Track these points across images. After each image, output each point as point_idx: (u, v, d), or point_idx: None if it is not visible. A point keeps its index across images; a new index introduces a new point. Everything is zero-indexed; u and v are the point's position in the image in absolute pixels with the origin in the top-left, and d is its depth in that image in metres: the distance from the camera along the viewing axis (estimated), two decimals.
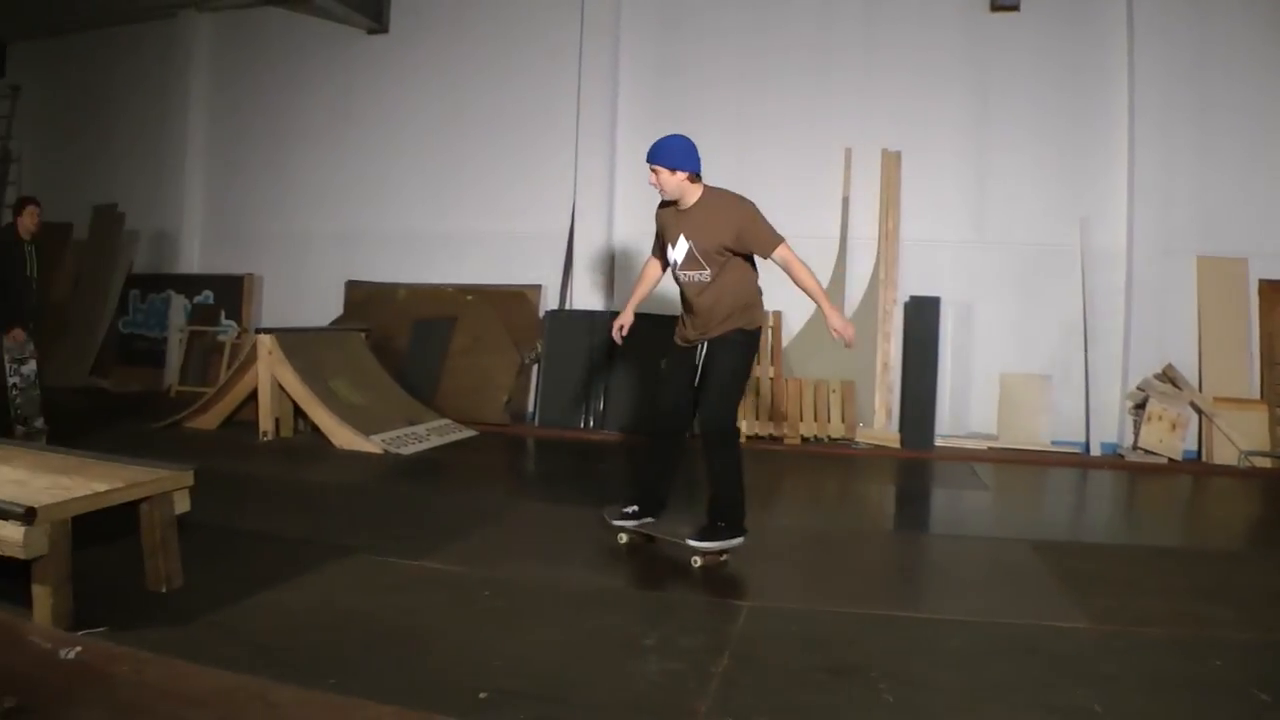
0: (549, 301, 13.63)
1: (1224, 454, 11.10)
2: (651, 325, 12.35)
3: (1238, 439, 11.08)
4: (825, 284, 11.59)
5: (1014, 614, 5.42)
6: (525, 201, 13.85)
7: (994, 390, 11.97)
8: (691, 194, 6.49)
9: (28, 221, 9.85)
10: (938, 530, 8.47)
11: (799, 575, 6.49)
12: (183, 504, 5.57)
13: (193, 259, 16.12)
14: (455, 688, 4.19)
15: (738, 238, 6.43)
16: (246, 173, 15.65)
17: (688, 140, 6.49)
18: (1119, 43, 11.98)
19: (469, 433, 11.84)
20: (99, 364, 15.88)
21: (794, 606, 5.51)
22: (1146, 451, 11.11)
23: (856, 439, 11.71)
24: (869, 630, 5.09)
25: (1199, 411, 11.27)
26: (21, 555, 4.52)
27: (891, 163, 12.30)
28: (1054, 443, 11.58)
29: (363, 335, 12.74)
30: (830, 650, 4.76)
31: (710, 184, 6.63)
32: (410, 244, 14.32)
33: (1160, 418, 11.11)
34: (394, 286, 14.19)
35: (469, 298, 13.62)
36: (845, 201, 12.52)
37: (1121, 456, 11.32)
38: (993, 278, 12.19)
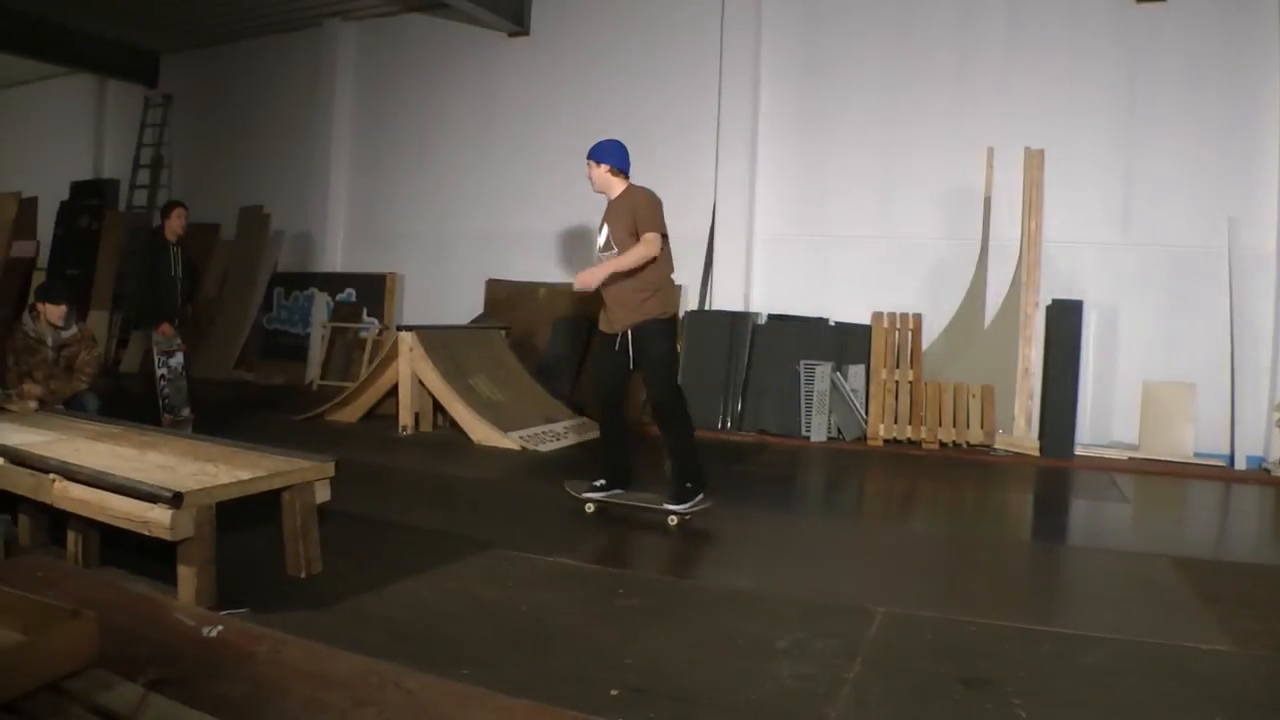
0: (689, 301, 13.73)
1: None
2: (788, 327, 12.48)
3: None
4: (966, 287, 11.73)
5: (1153, 632, 5.22)
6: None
7: (1136, 398, 11.66)
8: (615, 188, 7.70)
9: (175, 224, 10.39)
10: (1076, 542, 8.29)
11: (934, 583, 6.44)
12: (323, 493, 5.82)
13: (335, 258, 16.62)
14: (587, 684, 4.26)
15: (635, 220, 7.41)
16: (388, 174, 16.05)
17: (618, 142, 7.88)
18: (1270, 32, 11.56)
19: None
20: (244, 358, 16.50)
21: (929, 614, 5.40)
22: None
23: (995, 445, 11.57)
24: (1003, 642, 4.98)
25: None
26: (169, 537, 4.78)
27: (1034, 162, 12.07)
28: (1197, 455, 11.18)
29: (503, 333, 12.99)
30: (964, 661, 4.69)
31: (637, 184, 7.83)
32: (550, 244, 14.57)
33: None
34: (534, 286, 14.45)
35: None
36: (987, 202, 12.40)
37: (1268, 471, 10.84)
38: (1137, 280, 11.89)
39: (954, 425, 11.75)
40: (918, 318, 12.21)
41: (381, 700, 3.41)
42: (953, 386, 11.84)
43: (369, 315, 16.00)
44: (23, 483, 5.52)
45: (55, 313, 8.48)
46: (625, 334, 7.38)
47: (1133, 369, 11.77)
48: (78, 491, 5.20)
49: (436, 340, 11.33)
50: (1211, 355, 11.51)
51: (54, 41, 17.49)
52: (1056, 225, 12.09)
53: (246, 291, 16.79)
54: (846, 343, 12.50)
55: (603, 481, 7.78)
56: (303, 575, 5.64)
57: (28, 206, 17.58)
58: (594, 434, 11.35)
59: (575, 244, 14.49)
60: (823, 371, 12.05)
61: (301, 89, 17.06)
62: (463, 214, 15.38)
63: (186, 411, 10.32)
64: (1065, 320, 11.42)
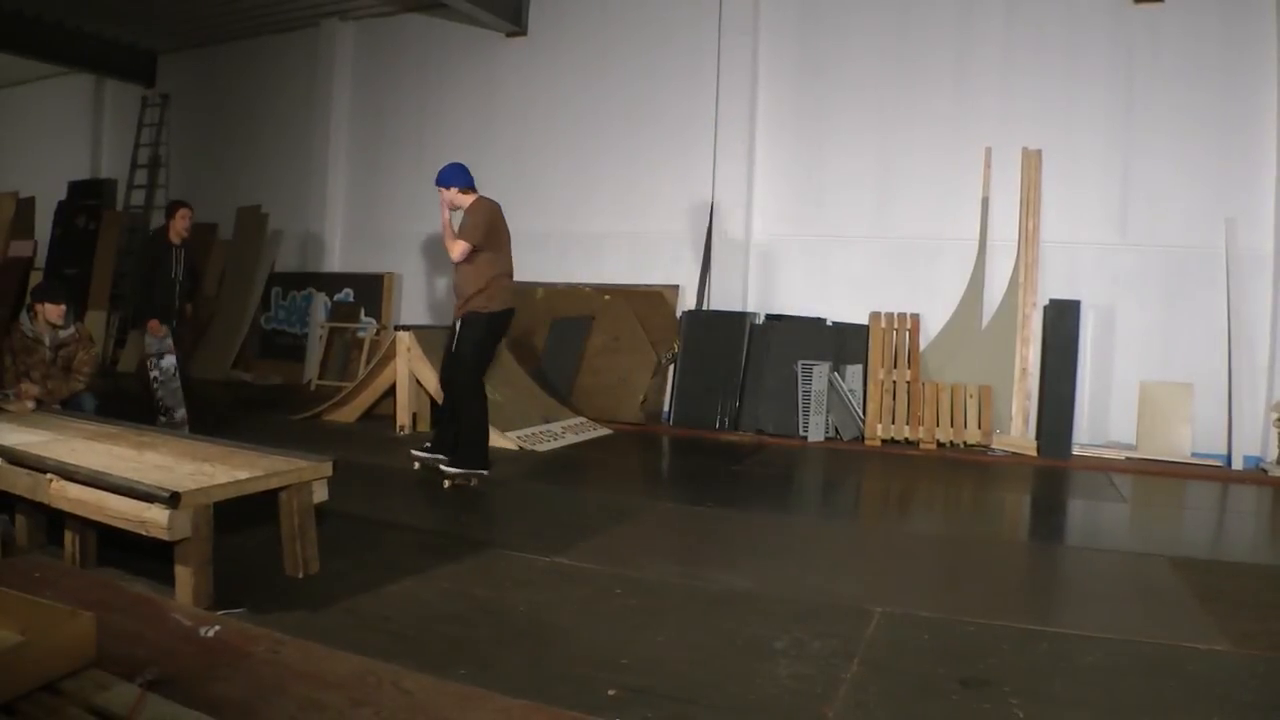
0: (686, 302, 13.76)
1: None
2: (786, 327, 12.49)
3: None
4: (964, 287, 11.82)
5: (1151, 632, 5.25)
6: (663, 201, 14.05)
7: (1134, 398, 11.64)
8: (466, 202, 8.69)
9: (179, 225, 10.32)
10: (1073, 542, 8.29)
11: (932, 582, 6.47)
12: (321, 493, 5.83)
13: (334, 258, 16.64)
14: (585, 683, 4.27)
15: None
16: (387, 174, 16.07)
17: (458, 164, 8.87)
18: (1268, 33, 11.54)
19: (604, 431, 12.07)
20: (241, 358, 16.53)
21: (926, 614, 5.41)
22: None
23: (993, 445, 11.58)
24: (1001, 642, 5.00)
25: None
26: (166, 537, 4.81)
27: (1032, 162, 12.15)
28: (1194, 455, 11.18)
29: None
30: (962, 661, 4.71)
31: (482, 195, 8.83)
32: (548, 243, 14.53)
33: None
34: (532, 285, 14.40)
35: (606, 297, 13.85)
36: (985, 202, 12.39)
37: (1265, 471, 10.83)
38: (1134, 281, 11.88)
39: (951, 425, 11.76)
40: (915, 318, 12.24)
41: (379, 700, 3.43)
42: (950, 386, 11.86)
43: (367, 315, 15.99)
44: (20, 483, 5.53)
45: (55, 312, 8.49)
46: (457, 321, 8.69)
47: (1130, 369, 11.75)
48: (75, 491, 5.21)
49: (434, 340, 11.29)
50: (1209, 356, 11.50)
51: (51, 41, 17.48)
52: (1054, 225, 12.13)
53: (244, 291, 16.79)
54: (844, 343, 12.52)
55: (429, 445, 8.95)
56: (300, 575, 5.66)
57: (25, 206, 17.58)
58: (593, 434, 11.42)
59: (572, 244, 14.54)
60: (820, 371, 12.05)
61: (299, 89, 17.06)
62: None
63: (181, 413, 10.26)
64: (1063, 320, 11.43)
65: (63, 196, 19.03)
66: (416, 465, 8.94)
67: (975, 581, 6.49)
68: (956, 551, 7.42)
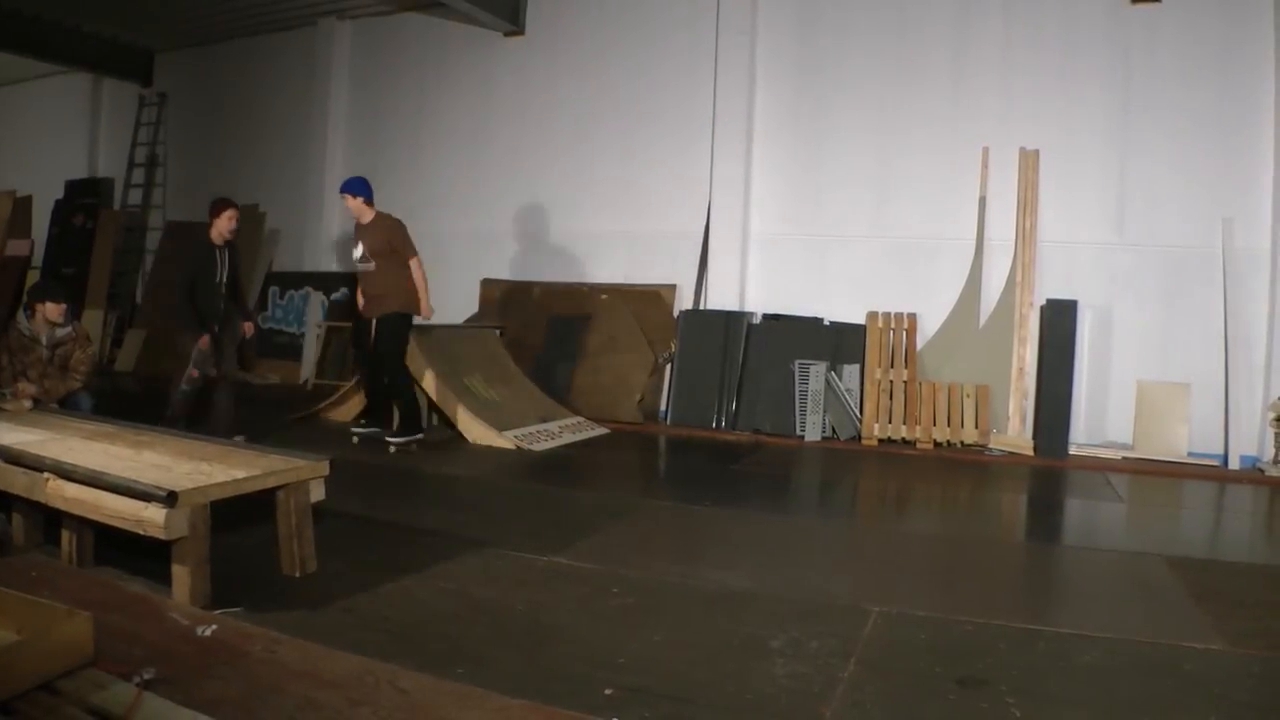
0: (684, 301, 13.78)
1: None
2: (783, 327, 12.49)
3: None
4: (961, 287, 11.89)
5: (1147, 632, 5.25)
6: (660, 200, 14.05)
7: (1131, 398, 11.64)
8: (367, 214, 10.44)
9: (223, 225, 9.82)
10: (1070, 542, 8.31)
11: (929, 582, 6.44)
12: (318, 492, 5.83)
13: (331, 257, 16.54)
14: (582, 683, 4.25)
15: (389, 243, 10.30)
16: (384, 173, 15.92)
17: (363, 178, 10.65)
18: (1265, 32, 11.54)
19: (601, 431, 12.06)
20: (239, 357, 16.34)
21: (923, 613, 5.41)
22: None
23: (990, 445, 11.58)
24: (998, 642, 5.00)
25: None
26: (163, 536, 4.80)
27: (1029, 162, 12.16)
28: (1191, 454, 11.18)
29: (498, 333, 12.99)
30: (958, 660, 4.70)
31: (381, 209, 10.62)
32: (545, 243, 14.58)
33: None
34: (529, 285, 14.45)
35: (604, 296, 13.85)
36: (982, 202, 12.40)
37: (1261, 471, 10.81)
38: (1132, 281, 11.89)
39: (948, 425, 11.75)
40: (913, 317, 12.24)
41: (377, 700, 3.44)
42: (947, 386, 11.85)
43: None
44: (17, 482, 5.53)
45: (55, 310, 8.50)
46: (374, 321, 10.35)
47: (1127, 369, 11.75)
48: (72, 490, 5.21)
49: (431, 339, 11.31)
50: (1206, 355, 11.51)
51: (49, 39, 17.46)
52: (1052, 225, 12.15)
53: (242, 290, 16.78)
54: (841, 342, 12.51)
55: (365, 420, 11.02)
56: (297, 575, 5.65)
57: (23, 205, 17.61)
58: (590, 434, 11.44)
59: (570, 243, 14.54)
60: (817, 371, 12.04)
61: (297, 88, 17.04)
62: (458, 213, 15.36)
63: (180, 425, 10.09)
64: (1060, 320, 11.43)
65: (60, 195, 19.01)
66: (355, 439, 10.59)
67: (972, 581, 6.49)
68: (953, 551, 7.40)
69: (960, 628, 5.22)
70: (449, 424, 11.16)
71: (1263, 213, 11.51)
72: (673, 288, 13.78)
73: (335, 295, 16.21)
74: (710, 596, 5.67)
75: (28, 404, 7.88)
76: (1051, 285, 11.96)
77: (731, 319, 12.98)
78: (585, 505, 8.25)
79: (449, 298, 14.66)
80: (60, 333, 8.58)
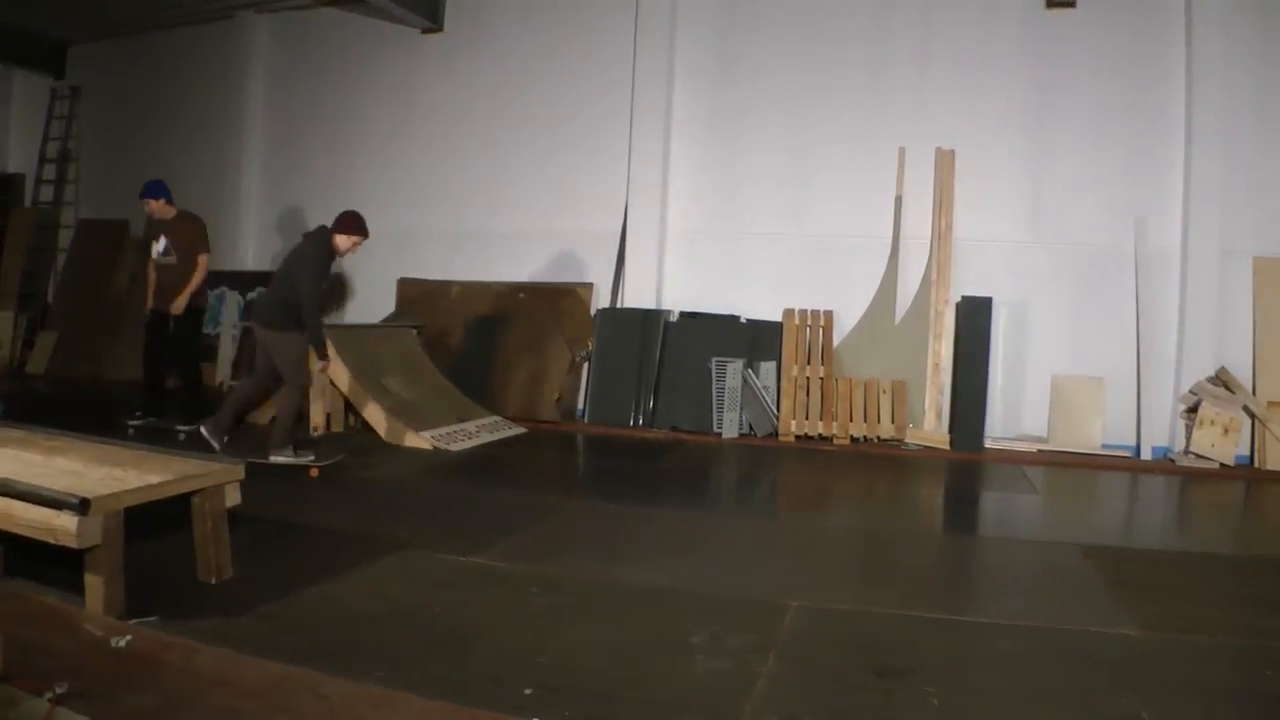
0: (601, 299, 13.66)
1: (1278, 459, 10.87)
2: (700, 325, 12.47)
3: None
4: (877, 283, 12.08)
5: (1063, 619, 5.34)
6: (578, 199, 13.94)
7: (1045, 392, 11.85)
8: (170, 213, 11.24)
9: (349, 247, 9.52)
10: (987, 533, 8.42)
11: (847, 576, 6.42)
12: (234, 497, 5.63)
13: (247, 256, 16.29)
14: (501, 683, 4.18)
15: (191, 240, 11.12)
16: (301, 171, 15.80)
17: (161, 181, 11.35)
18: (1177, 38, 11.82)
19: (519, 430, 11.91)
20: None
21: (841, 607, 5.43)
22: (1198, 456, 10.89)
23: (906, 440, 11.63)
24: (916, 632, 5.03)
25: (1252, 416, 11.04)
26: (75, 545, 4.57)
27: (946, 161, 12.24)
28: (1105, 446, 11.43)
29: (415, 332, 12.82)
30: (877, 652, 4.71)
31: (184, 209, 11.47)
32: (464, 241, 14.40)
33: (1213, 422, 10.87)
34: (447, 284, 14.26)
35: (522, 295, 13.70)
36: (898, 201, 12.46)
37: (1173, 461, 11.12)
38: (1046, 278, 12.10)
39: (865, 420, 11.76)
40: (829, 314, 12.23)
41: (297, 707, 3.42)
42: (864, 382, 11.87)
43: None
44: None
45: None
46: (166, 313, 10.92)
47: (1042, 363, 11.94)
48: None
49: (348, 339, 11.14)
50: (1119, 350, 11.73)
51: None
52: (967, 224, 12.24)
53: None
54: (758, 340, 12.44)
55: (141, 411, 11.17)
56: (214, 581, 5.47)
57: None
58: (508, 433, 11.34)
59: (488, 242, 14.35)
60: (734, 368, 11.97)
61: (214, 83, 16.64)
62: (377, 211, 14.85)
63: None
64: (975, 316, 11.52)
65: None
66: (130, 431, 10.42)
67: (890, 574, 6.52)
68: (871, 545, 7.45)
69: (879, 620, 5.26)
70: (366, 425, 10.99)
71: (1173, 212, 11.77)
72: (590, 286, 13.66)
73: (251, 295, 15.94)
74: (630, 594, 5.63)
75: None
76: (967, 282, 12.02)
77: (648, 317, 12.89)
78: (504, 505, 8.06)
79: (366, 297, 14.62)
80: None
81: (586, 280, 13.73)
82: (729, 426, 12.01)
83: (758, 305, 12.79)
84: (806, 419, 11.91)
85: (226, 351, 15.69)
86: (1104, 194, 12.01)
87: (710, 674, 4.39)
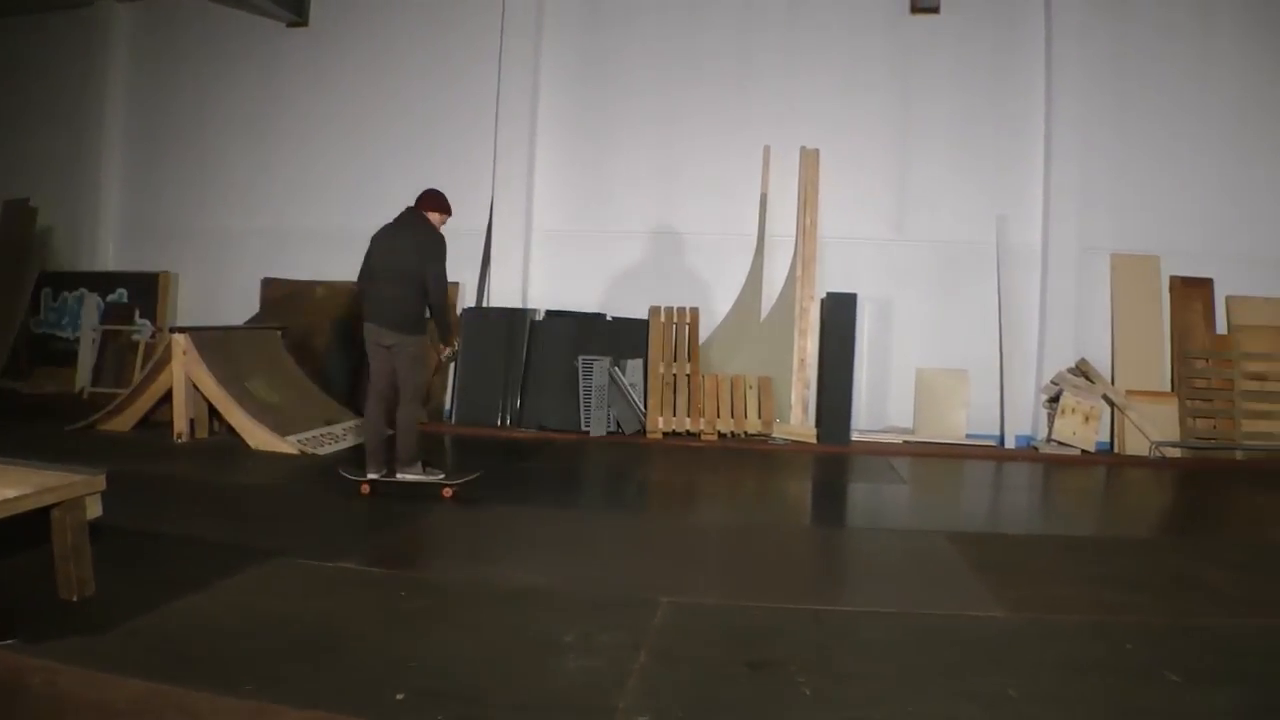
0: (467, 299, 13.33)
1: (1136, 445, 11.40)
2: (566, 323, 12.26)
3: (1149, 430, 11.38)
4: (744, 280, 11.99)
5: (931, 604, 5.46)
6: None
7: (911, 385, 12.05)
8: None
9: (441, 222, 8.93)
10: (855, 524, 8.51)
11: (717, 570, 6.42)
12: (95, 509, 5.38)
13: (107, 256, 15.66)
14: (372, 690, 4.08)
15: None
16: (164, 167, 15.21)
17: None
18: (1038, 45, 12.20)
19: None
20: (12, 365, 15.35)
21: (712, 602, 5.44)
22: (1060, 443, 11.30)
23: (774, 434, 11.62)
24: (788, 624, 5.05)
25: (1111, 404, 11.51)
26: None
27: (810, 160, 12.24)
28: (969, 436, 11.66)
29: (279, 334, 12.40)
30: (749, 645, 4.72)
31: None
32: (329, 241, 13.84)
33: (1074, 410, 11.30)
34: (313, 284, 13.82)
35: None
36: (764, 199, 12.45)
37: (1036, 449, 11.50)
38: (911, 274, 12.30)
39: (732, 416, 11.71)
40: (695, 311, 12.13)
41: None
42: (731, 378, 11.80)
43: (142, 317, 15.05)
44: None
45: None
46: None
47: (907, 357, 12.15)
48: None
49: (212, 342, 10.73)
50: (982, 343, 12.06)
51: None
52: (833, 222, 12.32)
53: (12, 292, 15.76)
54: (624, 337, 12.27)
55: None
56: (75, 599, 5.13)
57: None
58: None
59: (354, 241, 13.86)
60: (600, 367, 11.78)
61: (71, 72, 15.79)
62: (241, 210, 14.65)
63: None
64: (840, 312, 11.60)
65: None
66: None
67: (760, 567, 6.55)
68: (741, 539, 7.39)
69: (750, 613, 5.28)
70: (232, 430, 10.56)
71: (1034, 210, 12.16)
72: (455, 286, 13.30)
73: (112, 296, 15.38)
74: (501, 595, 5.55)
75: None
76: (834, 279, 12.09)
77: (514, 316, 12.65)
78: (372, 509, 7.86)
79: (230, 298, 14.07)
80: None
81: (452, 279, 13.34)
82: (596, 425, 11.82)
83: (624, 303, 12.65)
84: (674, 416, 11.76)
85: (87, 357, 15.06)
86: (967, 193, 12.26)
87: (582, 672, 4.36)
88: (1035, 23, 12.21)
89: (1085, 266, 11.89)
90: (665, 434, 11.70)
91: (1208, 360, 11.74)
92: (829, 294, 11.74)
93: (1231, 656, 4.73)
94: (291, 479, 9.08)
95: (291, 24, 14.38)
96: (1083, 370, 11.62)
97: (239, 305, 13.96)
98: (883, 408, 12.18)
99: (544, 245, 13.21)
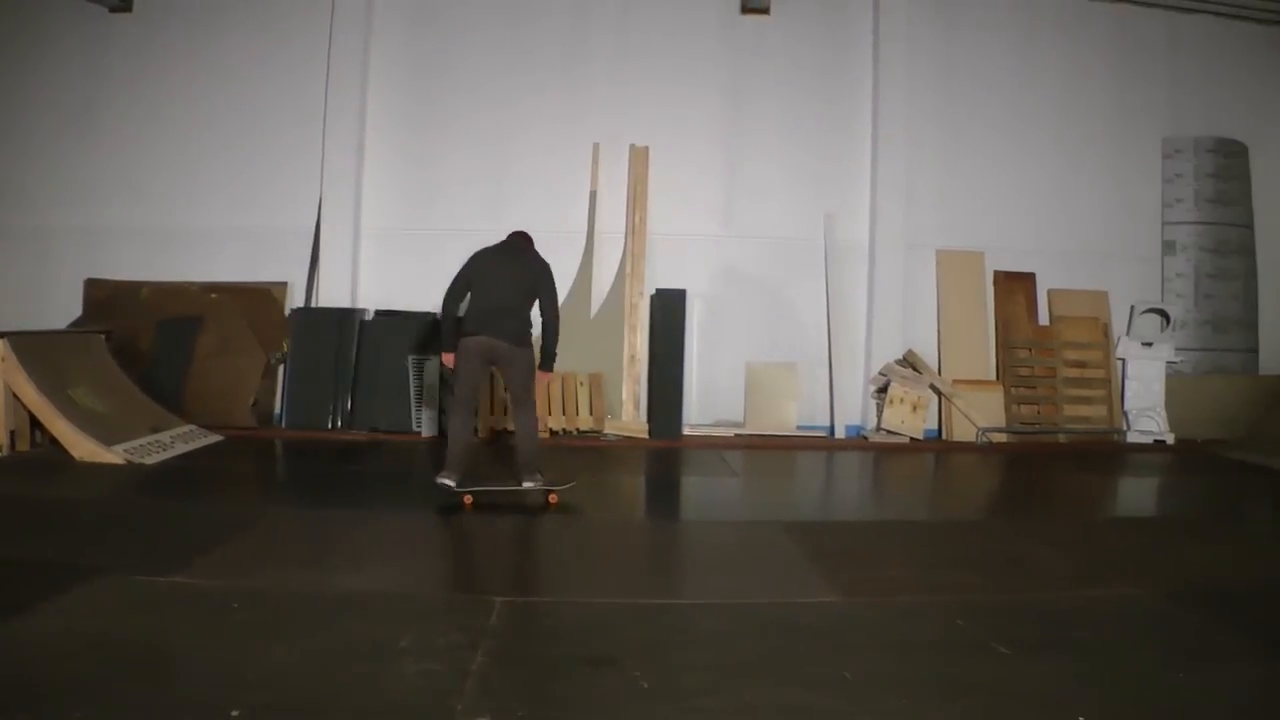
0: (295, 299, 12.71)
1: (963, 432, 11.73)
2: (396, 323, 11.90)
3: (975, 417, 11.71)
4: (573, 278, 11.81)
5: (767, 593, 5.48)
6: (272, 196, 12.87)
7: (741, 379, 11.99)
8: None
9: None
10: (689, 517, 8.53)
11: (551, 568, 6.48)
12: None
13: None
14: (207, 708, 3.81)
15: None
16: None
17: None
18: (865, 46, 12.35)
19: (215, 438, 10.95)
20: None
21: (547, 600, 5.50)
22: (890, 432, 11.48)
23: (605, 430, 11.47)
24: (624, 619, 5.01)
25: (939, 393, 11.74)
26: None
27: (639, 158, 12.10)
28: (800, 427, 11.70)
29: (103, 338, 11.76)
30: (585, 641, 4.68)
31: None
32: (153, 239, 13.11)
33: (902, 400, 11.48)
34: (137, 285, 13.08)
35: (214, 296, 12.59)
36: (593, 196, 12.23)
37: (865, 438, 11.66)
38: (741, 270, 12.26)
39: (564, 413, 11.52)
40: None
41: None
42: (561, 375, 11.43)
43: None
44: None
45: None
46: None
47: (737, 352, 12.09)
48: None
49: (32, 348, 10.02)
50: (812, 336, 12.13)
51: None
52: (663, 218, 12.22)
53: None
54: None
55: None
56: None
57: None
58: (204, 441, 10.62)
59: (180, 239, 13.22)
60: (431, 366, 11.41)
61: None
62: (62, 205, 13.67)
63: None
64: (669, 308, 11.64)
65: None
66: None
67: (595, 563, 6.53)
68: (575, 536, 7.34)
69: (586, 610, 5.24)
70: (54, 441, 9.92)
71: (862, 207, 12.31)
72: (284, 286, 12.72)
73: None
74: (336, 602, 5.34)
75: None
76: (664, 275, 12.01)
77: (344, 316, 12.13)
78: (202, 519, 7.42)
79: (51, 300, 13.19)
80: None
81: (281, 279, 12.82)
82: (427, 425, 11.49)
83: None
84: (505, 414, 11.36)
85: None
86: (796, 190, 12.32)
87: (421, 676, 4.22)
88: (863, 24, 12.31)
89: (912, 261, 12.06)
90: (496, 432, 11.32)
91: (1030, 350, 12.22)
92: (659, 290, 11.65)
93: (1058, 628, 4.88)
94: (117, 491, 8.47)
95: (115, 9, 13.47)
96: (910, 361, 11.77)
97: (61, 307, 13.14)
98: (714, 402, 12.10)
99: (374, 244, 12.68)
